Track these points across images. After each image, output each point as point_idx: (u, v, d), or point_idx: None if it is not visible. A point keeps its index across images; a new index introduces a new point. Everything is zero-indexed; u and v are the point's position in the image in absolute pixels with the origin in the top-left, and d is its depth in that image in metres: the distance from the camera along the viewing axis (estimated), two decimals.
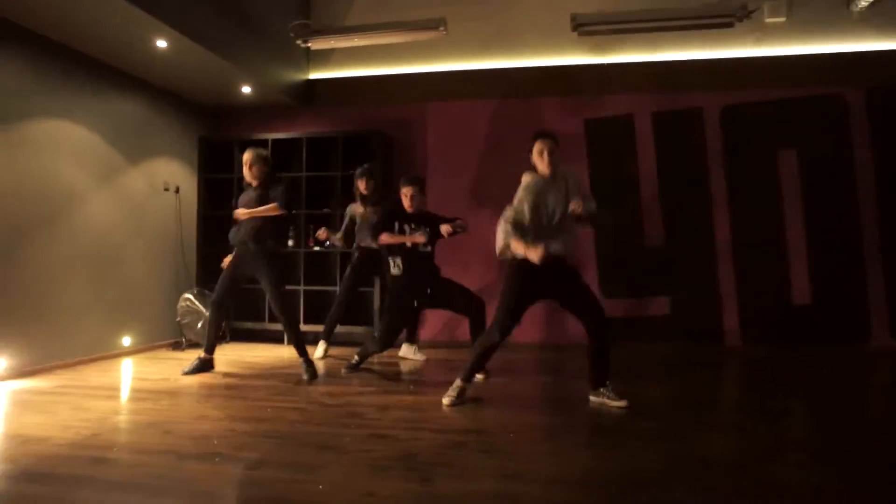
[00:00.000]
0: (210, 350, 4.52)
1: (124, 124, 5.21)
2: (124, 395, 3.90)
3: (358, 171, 5.14)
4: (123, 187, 5.23)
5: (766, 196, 5.56)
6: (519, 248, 3.32)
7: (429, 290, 4.39)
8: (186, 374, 4.36)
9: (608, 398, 3.52)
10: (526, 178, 3.50)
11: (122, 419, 3.26)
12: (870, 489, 2.35)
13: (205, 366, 4.47)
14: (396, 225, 4.40)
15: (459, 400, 3.60)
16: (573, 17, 4.93)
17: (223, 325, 5.07)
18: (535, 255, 3.23)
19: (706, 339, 5.59)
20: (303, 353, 4.38)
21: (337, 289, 5.58)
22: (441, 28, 5.06)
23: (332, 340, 5.29)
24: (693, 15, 4.84)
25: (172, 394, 3.84)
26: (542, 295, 3.63)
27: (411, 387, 4.17)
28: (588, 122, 5.85)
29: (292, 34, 5.41)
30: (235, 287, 4.51)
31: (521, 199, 3.41)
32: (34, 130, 4.36)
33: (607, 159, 5.83)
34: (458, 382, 3.63)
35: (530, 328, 5.60)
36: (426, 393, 3.89)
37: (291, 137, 6.07)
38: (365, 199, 5.12)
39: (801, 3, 5.49)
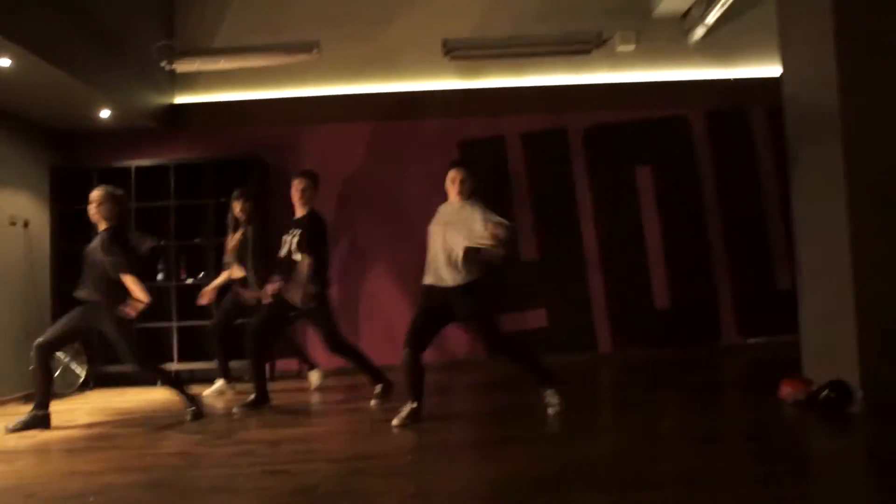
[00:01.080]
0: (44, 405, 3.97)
1: None
2: None
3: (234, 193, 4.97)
4: None
5: (628, 209, 6.02)
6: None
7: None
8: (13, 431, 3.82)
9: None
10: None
11: None
12: (734, 467, 2.62)
13: (41, 422, 3.94)
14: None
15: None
16: (444, 42, 5.11)
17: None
18: None
19: (582, 348, 5.90)
20: (183, 390, 4.10)
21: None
22: (315, 50, 5.04)
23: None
24: (554, 41, 5.19)
25: (32, 452, 3.45)
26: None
27: (300, 419, 4.05)
28: (462, 143, 6.04)
29: (155, 56, 5.13)
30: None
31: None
32: None
33: (482, 179, 6.01)
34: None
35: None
36: (316, 424, 3.80)
37: (156, 164, 5.72)
38: (237, 223, 4.93)
39: (648, 33, 6.03)
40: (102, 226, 4.05)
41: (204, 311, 5.49)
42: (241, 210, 4.91)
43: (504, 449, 3.11)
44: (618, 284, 5.96)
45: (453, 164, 3.86)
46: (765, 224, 6.00)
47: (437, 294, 3.63)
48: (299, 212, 4.39)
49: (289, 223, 4.42)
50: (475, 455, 3.14)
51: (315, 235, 4.29)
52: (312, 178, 4.39)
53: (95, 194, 4.05)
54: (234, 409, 4.22)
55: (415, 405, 3.59)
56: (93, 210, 4.03)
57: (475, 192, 3.79)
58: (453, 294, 3.59)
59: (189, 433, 3.71)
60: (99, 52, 4.81)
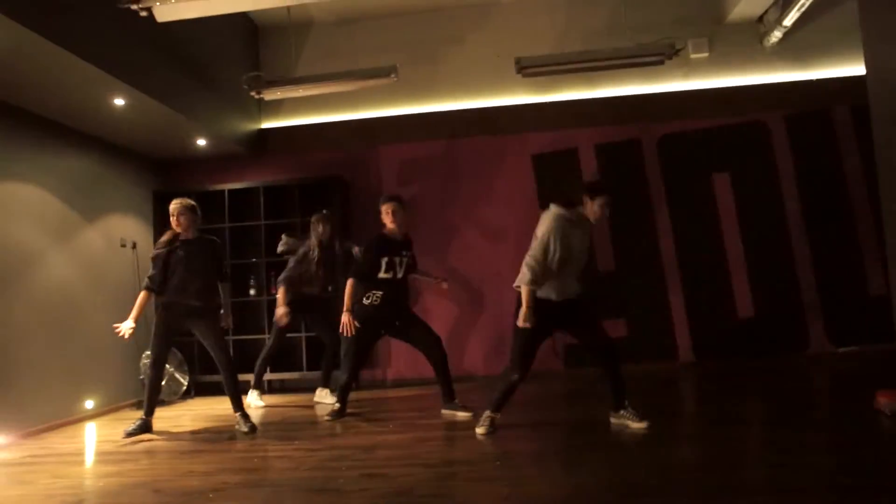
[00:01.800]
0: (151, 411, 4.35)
1: (79, 182, 5.16)
2: (100, 458, 3.80)
3: (315, 216, 5.20)
4: (80, 245, 5.15)
5: (706, 217, 5.95)
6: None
7: (397, 322, 4.47)
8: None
9: (629, 419, 3.61)
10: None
11: (106, 482, 3.19)
12: (823, 478, 2.59)
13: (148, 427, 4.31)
14: (385, 260, 4.33)
15: (492, 429, 3.70)
16: (517, 60, 5.21)
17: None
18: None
19: (661, 357, 5.86)
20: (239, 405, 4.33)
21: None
22: (392, 75, 5.27)
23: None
24: (627, 55, 5.20)
25: (150, 453, 3.78)
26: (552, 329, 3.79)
27: (390, 426, 4.23)
28: (535, 157, 6.15)
29: (245, 86, 5.50)
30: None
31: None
32: None
33: (556, 191, 6.10)
34: (487, 413, 3.73)
35: (482, 360, 5.76)
36: (405, 431, 3.97)
37: (247, 187, 6.12)
38: (321, 243, 5.16)
39: (721, 40, 5.99)
40: (188, 234, 4.27)
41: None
42: (324, 232, 5.16)
43: (588, 455, 3.19)
44: (698, 293, 5.89)
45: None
46: (854, 227, 5.79)
47: (555, 308, 3.63)
48: (397, 233, 4.41)
49: (387, 245, 4.38)
50: (560, 461, 3.22)
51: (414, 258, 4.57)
52: (400, 202, 4.44)
53: (175, 206, 4.27)
54: (325, 417, 4.47)
55: (496, 415, 3.72)
56: (176, 221, 4.25)
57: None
58: (579, 301, 3.68)
59: (286, 438, 3.95)
60: (197, 87, 5.24)
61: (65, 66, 3.85)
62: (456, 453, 3.43)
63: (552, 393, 5.05)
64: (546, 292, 3.59)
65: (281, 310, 5.00)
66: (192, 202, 4.35)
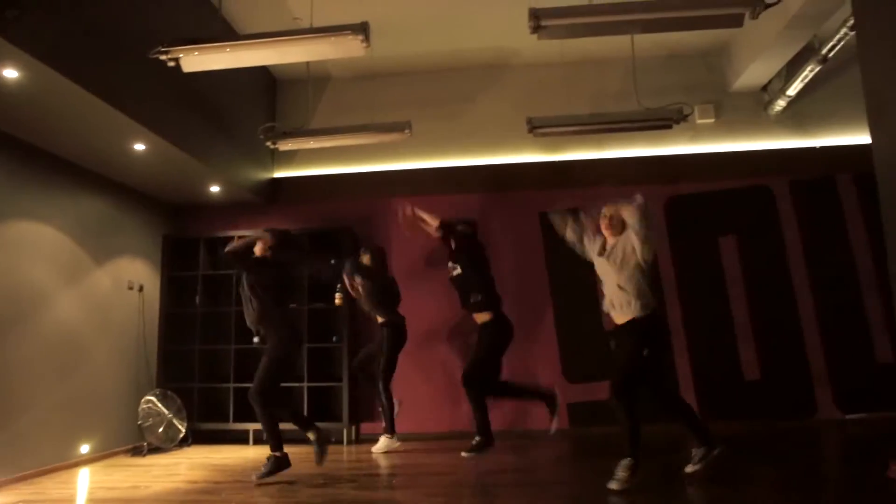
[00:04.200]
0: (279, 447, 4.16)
1: (90, 223, 5.20)
2: None
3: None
4: (89, 287, 5.15)
5: (712, 279, 5.97)
6: None
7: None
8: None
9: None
10: None
11: None
12: None
13: (283, 463, 4.13)
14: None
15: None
16: (529, 120, 5.34)
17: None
18: None
19: (667, 418, 5.76)
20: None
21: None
22: (406, 130, 5.39)
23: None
24: (636, 119, 5.35)
25: (147, 502, 3.68)
26: None
27: (394, 481, 4.13)
28: (543, 214, 6.21)
29: (261, 136, 5.63)
30: None
31: None
32: (6, 231, 4.33)
33: (562, 249, 6.15)
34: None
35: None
36: (411, 486, 3.87)
37: None
38: (368, 271, 5.35)
39: (727, 106, 6.17)
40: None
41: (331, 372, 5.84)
42: (370, 261, 5.35)
43: None
44: (702, 355, 5.85)
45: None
46: (860, 294, 5.80)
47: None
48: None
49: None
50: None
51: None
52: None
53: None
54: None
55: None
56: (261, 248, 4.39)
57: None
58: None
59: (287, 492, 3.85)
60: (215, 134, 5.36)
61: (92, 111, 3.95)
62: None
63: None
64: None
65: None
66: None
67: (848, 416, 5.61)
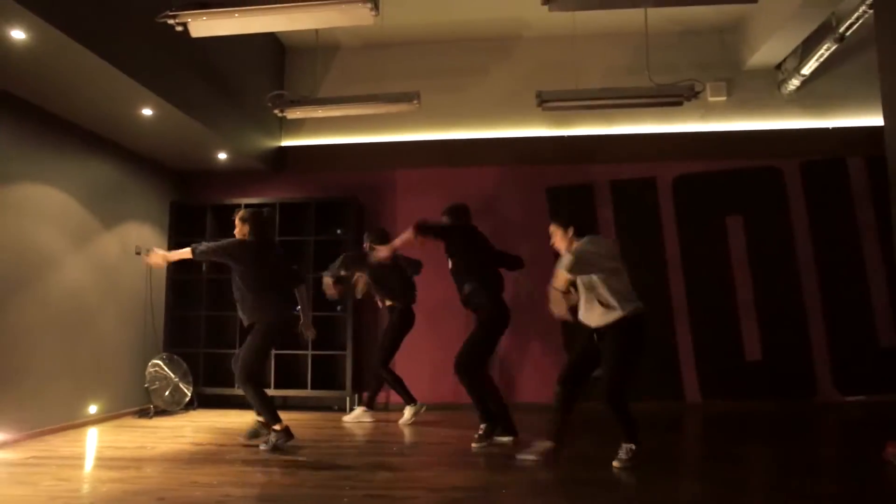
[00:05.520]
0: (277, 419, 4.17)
1: (99, 188, 5.22)
2: (103, 464, 3.77)
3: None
4: (97, 251, 5.19)
5: (717, 258, 5.96)
6: None
7: None
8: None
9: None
10: None
11: (110, 488, 3.17)
12: None
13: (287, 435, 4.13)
14: None
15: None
16: (538, 94, 5.29)
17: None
18: None
19: (667, 396, 5.83)
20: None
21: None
22: (415, 101, 5.35)
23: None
24: (646, 94, 5.29)
25: (153, 462, 3.76)
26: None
27: (395, 448, 4.21)
28: (550, 190, 6.20)
29: (269, 104, 5.60)
30: None
31: None
32: (15, 194, 4.36)
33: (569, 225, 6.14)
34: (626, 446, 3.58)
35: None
36: (410, 455, 3.95)
37: (263, 203, 6.18)
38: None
39: (739, 85, 6.09)
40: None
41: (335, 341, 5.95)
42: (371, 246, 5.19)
43: (588, 489, 3.16)
44: (705, 334, 5.88)
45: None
46: (865, 277, 5.78)
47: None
48: None
49: None
50: (563, 494, 3.19)
51: None
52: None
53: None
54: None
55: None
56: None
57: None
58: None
59: (291, 455, 3.93)
60: (223, 102, 5.34)
61: (100, 75, 3.94)
62: (463, 480, 3.39)
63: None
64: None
65: None
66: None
67: (848, 398, 5.64)
